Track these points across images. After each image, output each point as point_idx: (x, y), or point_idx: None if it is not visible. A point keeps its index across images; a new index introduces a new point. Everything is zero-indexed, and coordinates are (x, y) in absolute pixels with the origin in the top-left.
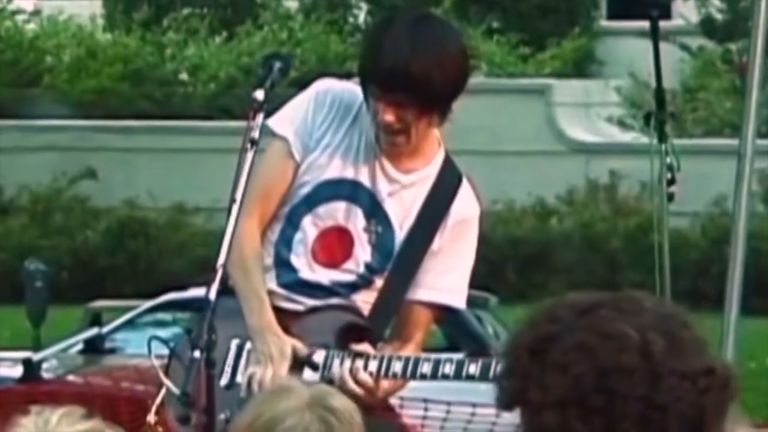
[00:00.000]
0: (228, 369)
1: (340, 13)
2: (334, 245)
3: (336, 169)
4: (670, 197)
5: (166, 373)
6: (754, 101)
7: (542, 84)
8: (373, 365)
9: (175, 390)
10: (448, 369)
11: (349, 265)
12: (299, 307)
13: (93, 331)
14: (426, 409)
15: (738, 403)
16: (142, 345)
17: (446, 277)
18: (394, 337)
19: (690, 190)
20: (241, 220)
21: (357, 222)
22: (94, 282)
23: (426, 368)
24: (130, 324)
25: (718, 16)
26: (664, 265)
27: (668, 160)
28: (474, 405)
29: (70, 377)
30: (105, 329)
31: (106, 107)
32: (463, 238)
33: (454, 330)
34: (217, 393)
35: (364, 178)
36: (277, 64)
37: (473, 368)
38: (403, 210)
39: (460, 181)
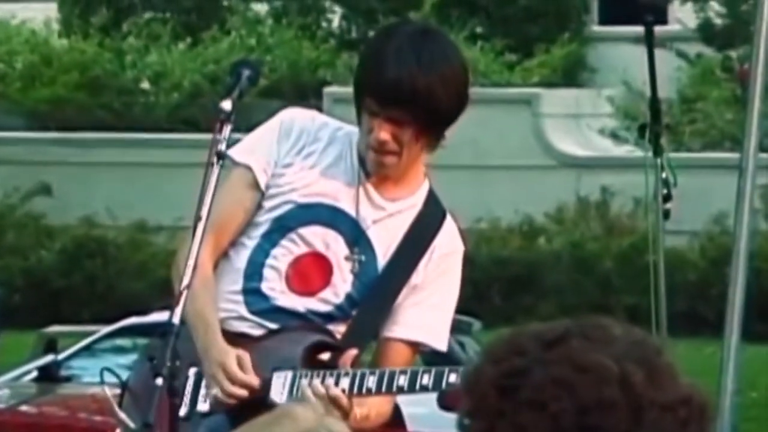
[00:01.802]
0: (187, 399)
1: (312, 18)
2: (311, 272)
3: (311, 193)
4: (666, 215)
5: (120, 405)
6: (756, 112)
7: (529, 93)
8: (345, 382)
9: (131, 424)
10: (426, 380)
11: (326, 294)
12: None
13: (48, 358)
14: None
15: None
16: (100, 372)
17: (428, 316)
18: (375, 359)
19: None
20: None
21: (338, 250)
22: (49, 305)
23: (403, 380)
24: (87, 350)
25: (718, 21)
26: (659, 287)
27: (664, 175)
28: None
29: (23, 407)
30: (60, 356)
31: (62, 118)
32: (448, 275)
33: (435, 357)
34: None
35: (346, 205)
36: (246, 72)
37: (453, 377)
38: (388, 238)
39: (444, 215)
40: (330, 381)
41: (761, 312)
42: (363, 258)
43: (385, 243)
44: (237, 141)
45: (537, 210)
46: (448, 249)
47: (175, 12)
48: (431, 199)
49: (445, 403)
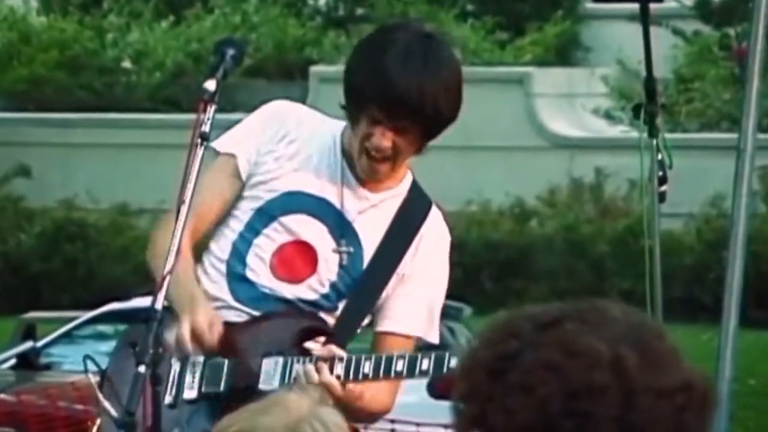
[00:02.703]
0: (172, 387)
1: None
2: (295, 260)
3: (295, 182)
4: (662, 197)
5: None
6: (754, 91)
7: (521, 72)
8: (339, 368)
9: (114, 412)
10: (426, 365)
11: (312, 281)
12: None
13: (27, 345)
14: (393, 431)
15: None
16: (80, 360)
17: (419, 308)
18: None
19: (684, 190)
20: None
21: (323, 241)
22: (28, 290)
23: (401, 365)
24: (67, 337)
25: None
26: (655, 272)
27: (660, 156)
28: (446, 426)
29: (2, 395)
30: (40, 343)
31: (41, 98)
32: (436, 264)
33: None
34: (162, 413)
35: (331, 197)
36: (230, 51)
37: (453, 362)
38: (374, 229)
39: (430, 204)
40: (324, 366)
41: (759, 297)
42: (351, 250)
43: (371, 234)
44: (221, 122)
45: (529, 192)
46: (435, 237)
47: None
48: (415, 189)
49: (435, 391)
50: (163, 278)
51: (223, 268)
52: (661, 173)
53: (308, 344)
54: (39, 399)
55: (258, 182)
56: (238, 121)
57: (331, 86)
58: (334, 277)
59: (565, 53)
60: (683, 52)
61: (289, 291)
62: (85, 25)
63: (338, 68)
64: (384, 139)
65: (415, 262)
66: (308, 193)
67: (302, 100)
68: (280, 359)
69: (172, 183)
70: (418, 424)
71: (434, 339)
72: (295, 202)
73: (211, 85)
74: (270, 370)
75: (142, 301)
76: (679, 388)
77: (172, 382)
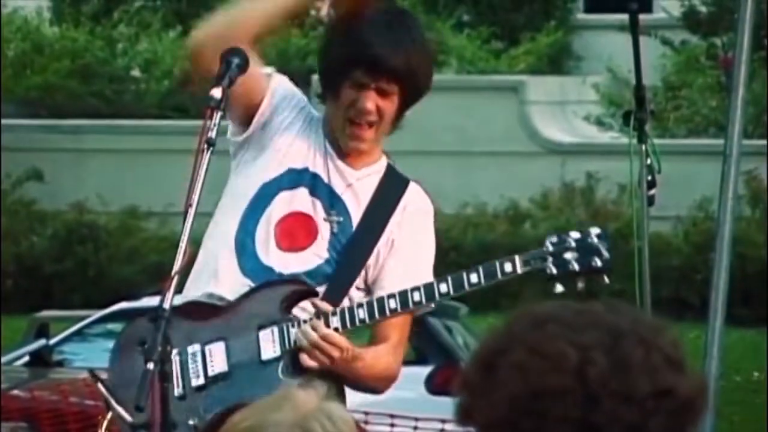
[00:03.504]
0: (178, 380)
1: None
2: (296, 230)
3: (298, 157)
4: (651, 201)
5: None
6: (740, 99)
7: (515, 81)
8: (335, 320)
9: (128, 417)
10: (418, 296)
11: (314, 248)
12: None
13: (39, 343)
14: (392, 425)
15: (722, 420)
16: (91, 357)
17: (410, 277)
18: (370, 342)
19: (672, 193)
20: None
21: (316, 211)
22: (41, 291)
23: (393, 303)
24: (78, 335)
25: (702, 9)
26: (644, 272)
27: (649, 161)
28: (443, 421)
29: (15, 391)
30: (52, 341)
31: (53, 105)
32: (422, 234)
33: (422, 341)
34: (173, 406)
35: (321, 172)
36: (235, 60)
37: (444, 287)
38: (359, 201)
39: (408, 180)
40: (319, 323)
41: (744, 297)
42: (341, 219)
43: (356, 205)
44: (226, 128)
45: (522, 196)
46: (418, 206)
47: (166, 0)
48: (392, 168)
49: (434, 387)
50: (171, 278)
51: (231, 242)
52: (650, 177)
53: (295, 312)
54: (51, 395)
55: (263, 150)
56: None
57: None
58: (328, 245)
59: (557, 62)
60: (671, 61)
61: (294, 260)
62: (96, 35)
63: None
64: (369, 101)
65: (402, 231)
66: (307, 168)
67: None
68: (275, 328)
69: (179, 187)
70: (416, 419)
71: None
72: (299, 178)
73: (217, 92)
74: (268, 341)
75: (150, 301)
76: (651, 394)
77: (177, 374)
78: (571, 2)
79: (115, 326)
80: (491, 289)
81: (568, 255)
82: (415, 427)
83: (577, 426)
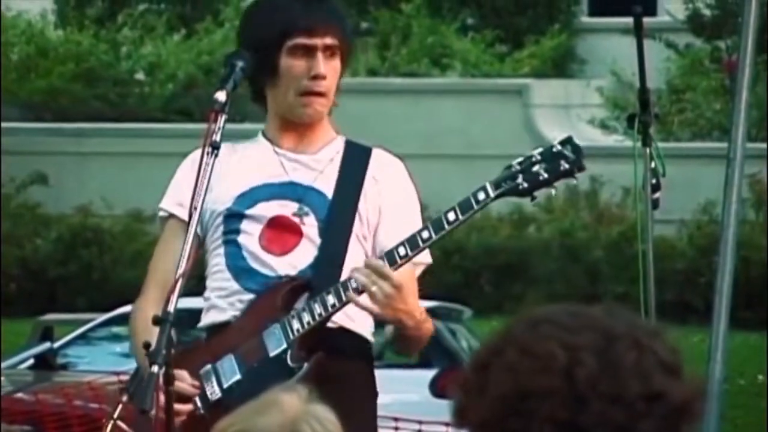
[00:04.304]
0: (215, 387)
1: None
2: (281, 234)
3: (241, 183)
4: (655, 204)
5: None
6: (744, 102)
7: (520, 84)
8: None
9: None
10: (403, 251)
11: (303, 244)
12: None
13: (44, 346)
14: (396, 429)
15: (726, 424)
16: (96, 360)
17: (408, 231)
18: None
19: (676, 197)
20: (138, 302)
21: (288, 209)
22: (45, 294)
23: (426, 234)
24: (83, 338)
25: (707, 12)
26: (648, 276)
27: (653, 164)
28: (448, 425)
29: (20, 395)
30: (56, 344)
31: (58, 109)
32: (403, 190)
33: (426, 345)
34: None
35: (280, 177)
36: (240, 63)
37: (426, 233)
38: (329, 181)
39: (370, 149)
40: (353, 294)
41: (748, 300)
42: (317, 207)
43: (329, 186)
44: (231, 131)
45: (527, 199)
46: (387, 172)
47: (170, 3)
48: (350, 143)
49: (437, 391)
50: (176, 281)
51: (227, 273)
52: (654, 181)
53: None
54: (55, 398)
55: (212, 205)
56: (247, 131)
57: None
58: (318, 232)
59: (561, 66)
60: (675, 65)
61: (287, 262)
62: (100, 39)
63: (343, 79)
64: (318, 64)
65: (383, 198)
66: (257, 185)
67: None
68: (277, 324)
69: None
70: (420, 422)
71: (427, 258)
72: (249, 197)
73: (221, 95)
74: (272, 337)
75: None
76: (641, 397)
77: (213, 383)
78: (575, 5)
79: (120, 329)
80: (495, 292)
81: (536, 167)
82: (419, 430)
83: (566, 427)
